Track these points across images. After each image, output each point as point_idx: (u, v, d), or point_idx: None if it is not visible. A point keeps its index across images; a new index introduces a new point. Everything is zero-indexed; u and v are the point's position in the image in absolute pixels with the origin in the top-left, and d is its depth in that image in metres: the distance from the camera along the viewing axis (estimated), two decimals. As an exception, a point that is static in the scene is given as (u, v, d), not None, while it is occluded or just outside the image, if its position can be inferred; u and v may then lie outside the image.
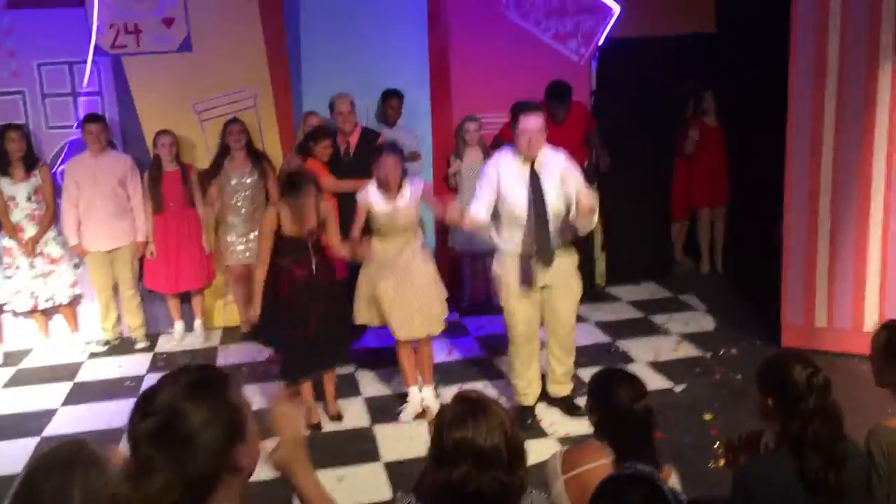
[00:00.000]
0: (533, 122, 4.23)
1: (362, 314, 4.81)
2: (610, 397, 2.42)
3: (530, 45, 6.65)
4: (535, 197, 4.28)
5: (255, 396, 5.02)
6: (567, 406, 4.79)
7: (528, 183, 4.29)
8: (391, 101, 6.36)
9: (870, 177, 5.15)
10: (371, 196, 4.64)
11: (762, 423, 2.54)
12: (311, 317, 4.56)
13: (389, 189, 4.59)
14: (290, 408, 1.96)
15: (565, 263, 4.50)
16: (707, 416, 4.65)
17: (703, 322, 6.21)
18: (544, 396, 4.86)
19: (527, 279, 4.41)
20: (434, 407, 4.77)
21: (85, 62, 6.02)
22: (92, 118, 5.84)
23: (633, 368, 5.17)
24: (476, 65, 6.53)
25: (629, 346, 5.79)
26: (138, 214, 6.01)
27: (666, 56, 6.79)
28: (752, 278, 6.59)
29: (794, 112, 5.31)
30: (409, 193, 4.65)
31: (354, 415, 4.91)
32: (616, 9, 6.62)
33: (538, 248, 4.34)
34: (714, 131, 7.07)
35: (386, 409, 4.91)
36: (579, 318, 6.18)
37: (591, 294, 6.73)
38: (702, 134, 7.00)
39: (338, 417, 4.86)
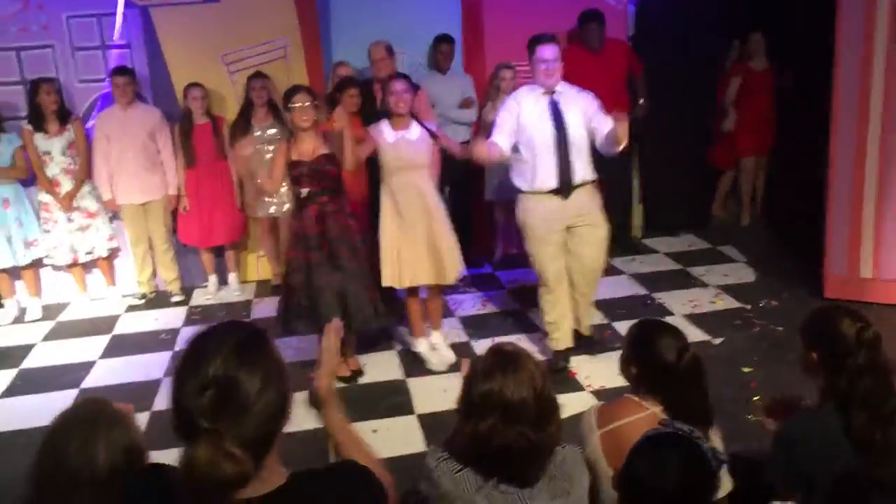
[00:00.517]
0: (549, 52, 4.29)
1: (387, 275, 4.62)
2: (651, 350, 2.34)
3: (565, -11, 6.44)
4: (556, 125, 4.32)
5: (286, 350, 5.05)
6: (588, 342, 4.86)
7: (549, 112, 4.32)
8: (441, 47, 6.22)
9: (922, 121, 4.94)
10: (382, 128, 4.52)
11: (804, 377, 2.45)
12: (309, 266, 4.41)
13: (400, 118, 4.47)
14: (335, 341, 2.03)
15: (587, 203, 4.48)
16: (746, 370, 4.55)
17: (743, 274, 6.07)
18: (582, 350, 4.80)
19: (562, 183, 4.35)
20: (445, 352, 4.79)
21: (114, 14, 5.97)
22: (119, 71, 5.80)
23: (670, 321, 5.10)
24: (509, 12, 6.35)
25: (666, 298, 5.69)
26: (169, 168, 6.00)
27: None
28: (795, 228, 6.41)
29: (842, 53, 5.07)
30: (422, 130, 4.53)
31: (388, 368, 4.89)
32: (654, -50, 6.37)
33: (560, 181, 4.34)
34: (761, 76, 6.76)
35: (420, 362, 4.89)
36: (615, 271, 6.19)
37: (628, 245, 6.66)
38: (747, 80, 6.74)
39: (354, 375, 4.74)
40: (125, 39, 6.05)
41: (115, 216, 6.16)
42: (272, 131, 5.87)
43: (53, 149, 5.80)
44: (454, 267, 4.64)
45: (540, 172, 4.37)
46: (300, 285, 4.45)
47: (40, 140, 5.77)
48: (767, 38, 6.69)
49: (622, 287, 5.95)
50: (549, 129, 4.32)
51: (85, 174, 5.93)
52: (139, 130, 5.86)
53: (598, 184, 4.58)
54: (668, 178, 6.81)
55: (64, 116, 5.82)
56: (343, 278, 4.43)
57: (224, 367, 1.43)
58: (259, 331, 1.55)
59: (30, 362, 5.25)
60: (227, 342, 1.48)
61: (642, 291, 5.85)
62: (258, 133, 5.89)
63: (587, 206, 4.48)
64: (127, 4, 5.95)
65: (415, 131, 4.52)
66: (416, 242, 4.55)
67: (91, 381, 4.93)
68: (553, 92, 4.36)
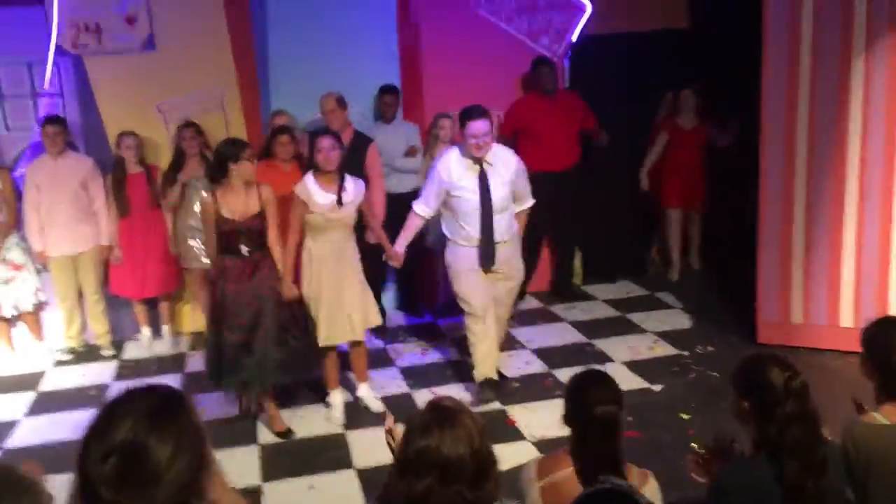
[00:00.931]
0: (480, 127, 4.52)
1: (323, 334, 4.62)
2: (579, 401, 2.34)
3: (502, 41, 6.58)
4: (482, 196, 4.63)
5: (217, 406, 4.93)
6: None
7: (477, 183, 4.62)
8: (385, 98, 6.23)
9: (844, 174, 5.13)
10: (310, 187, 4.49)
11: (738, 424, 2.47)
12: (242, 322, 4.40)
13: (328, 175, 4.47)
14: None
15: (506, 255, 4.80)
16: (685, 416, 4.61)
17: (680, 320, 6.17)
18: (521, 398, 4.81)
19: (484, 260, 4.71)
20: (372, 405, 4.80)
21: (45, 62, 5.85)
22: (50, 120, 5.67)
23: (610, 368, 5.15)
24: (447, 62, 6.44)
25: (605, 345, 5.73)
26: (101, 218, 5.85)
27: (638, 52, 6.74)
28: (731, 277, 6.56)
29: (768, 111, 5.28)
30: (352, 189, 4.54)
31: (325, 421, 4.79)
32: (588, 6, 6.57)
33: (482, 240, 4.68)
34: (689, 133, 6.81)
35: (359, 414, 4.80)
36: (555, 318, 6.24)
37: (568, 293, 6.72)
38: (674, 136, 6.80)
39: (289, 432, 4.66)
40: (56, 88, 5.94)
41: (43, 268, 5.96)
42: (202, 182, 5.79)
43: (-22, 199, 5.62)
44: (367, 319, 4.71)
45: (465, 230, 4.70)
46: (230, 343, 4.40)
47: (-36, 190, 5.59)
48: (700, 95, 6.78)
49: (562, 334, 5.99)
50: (475, 198, 4.63)
51: (12, 225, 5.74)
52: (70, 180, 5.72)
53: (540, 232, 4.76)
54: (606, 225, 6.93)
55: (-10, 167, 5.66)
56: (257, 336, 4.40)
57: (133, 433, 1.36)
58: (177, 394, 1.49)
59: (-52, 423, 4.99)
60: (140, 406, 1.41)
61: (582, 339, 5.89)
62: (191, 185, 5.79)
63: (505, 258, 4.79)
64: (59, 52, 5.85)
65: (348, 189, 4.52)
66: (330, 301, 4.56)
67: (14, 441, 4.73)
68: (482, 163, 4.60)
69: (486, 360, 4.79)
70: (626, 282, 7.05)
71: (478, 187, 4.61)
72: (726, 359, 5.17)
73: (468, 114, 4.56)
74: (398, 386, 5.21)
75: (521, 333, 5.98)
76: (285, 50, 6.20)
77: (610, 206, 6.90)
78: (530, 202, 4.96)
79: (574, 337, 5.94)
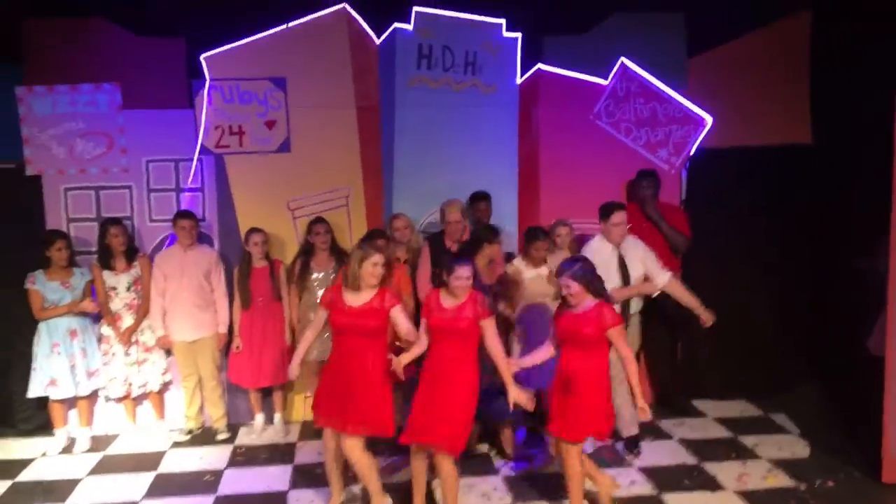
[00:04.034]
0: (621, 217, 5.64)
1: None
2: None
3: (620, 152, 6.68)
4: (621, 272, 5.62)
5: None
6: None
7: (616, 262, 5.63)
8: (479, 205, 6.40)
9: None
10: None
11: None
12: None
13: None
14: None
15: (636, 322, 6.01)
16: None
17: (797, 447, 5.90)
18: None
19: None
20: None
21: (190, 160, 6.33)
22: (184, 214, 6.09)
23: (719, 497, 4.98)
24: (565, 170, 6.58)
25: (716, 469, 5.53)
26: (220, 307, 6.18)
27: (760, 167, 6.69)
28: (849, 402, 6.25)
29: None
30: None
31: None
32: (708, 120, 6.59)
33: (621, 310, 5.52)
34: None
35: None
36: (664, 435, 6.08)
37: (679, 406, 6.58)
38: None
39: None
40: (198, 183, 6.38)
41: (168, 351, 6.31)
42: (333, 276, 6.03)
43: (119, 284, 6.04)
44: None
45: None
46: None
47: (108, 276, 6.03)
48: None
49: (670, 453, 5.83)
50: (616, 276, 5.57)
51: (147, 310, 6.13)
52: (196, 271, 6.08)
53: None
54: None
55: (131, 254, 6.09)
56: None
57: None
58: None
59: (75, 498, 5.25)
60: None
61: (691, 460, 5.71)
62: (316, 278, 6.06)
63: (636, 323, 6.09)
64: (203, 150, 6.31)
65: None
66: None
67: (132, 525, 4.92)
68: (619, 246, 5.64)
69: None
70: (740, 400, 6.82)
71: (618, 267, 5.63)
72: (847, 497, 4.92)
73: (611, 208, 5.66)
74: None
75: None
76: (409, 156, 6.44)
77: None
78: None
79: (682, 457, 5.77)
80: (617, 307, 5.22)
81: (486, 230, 5.54)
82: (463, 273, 4.46)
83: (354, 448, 4.54)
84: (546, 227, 5.99)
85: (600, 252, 5.54)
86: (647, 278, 5.71)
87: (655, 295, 5.88)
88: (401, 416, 4.79)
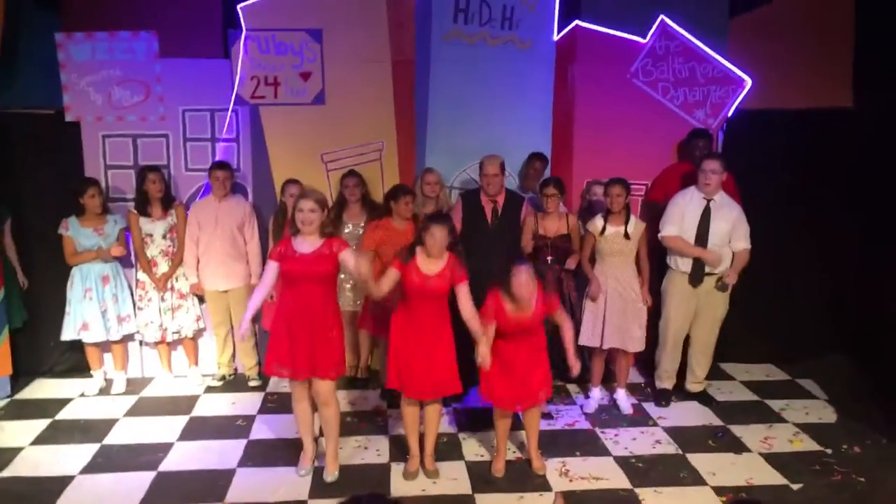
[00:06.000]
0: (714, 164, 5.59)
1: None
2: None
3: (656, 112, 6.59)
4: (701, 227, 5.64)
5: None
6: (703, 399, 6.07)
7: (701, 215, 5.64)
8: (534, 163, 6.38)
9: None
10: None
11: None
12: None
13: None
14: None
15: (713, 287, 5.76)
16: (826, 522, 4.40)
17: (824, 413, 5.91)
18: (653, 481, 4.74)
19: (694, 280, 5.74)
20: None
21: (226, 110, 6.36)
22: (220, 165, 6.13)
23: (744, 458, 5.02)
24: (599, 130, 6.53)
25: (742, 432, 5.56)
26: (253, 258, 6.25)
27: (799, 130, 6.59)
28: (881, 368, 6.23)
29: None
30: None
31: (459, 479, 4.89)
32: (748, 81, 6.48)
33: (693, 268, 5.70)
34: None
35: (487, 475, 4.88)
36: (688, 396, 6.10)
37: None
38: None
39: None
40: (233, 133, 6.42)
41: (201, 299, 6.41)
42: (362, 229, 6.08)
43: (155, 231, 6.13)
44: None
45: (685, 261, 5.73)
46: None
47: (143, 222, 6.12)
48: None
49: (696, 414, 5.86)
50: (692, 228, 5.65)
51: (182, 257, 6.22)
52: (229, 221, 6.15)
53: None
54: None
55: (168, 202, 6.17)
56: None
57: None
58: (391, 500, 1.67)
59: (112, 438, 5.42)
60: None
61: (717, 422, 5.74)
62: (348, 230, 6.11)
63: (713, 288, 5.78)
64: (238, 101, 6.34)
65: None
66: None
67: (168, 464, 5.04)
68: (710, 199, 5.65)
69: (666, 374, 6.08)
70: (767, 364, 6.82)
71: (699, 220, 5.65)
72: (873, 463, 4.93)
73: (707, 155, 5.79)
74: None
75: (653, 409, 5.91)
76: (443, 112, 6.41)
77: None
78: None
79: (708, 418, 5.80)
80: (680, 262, 5.70)
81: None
82: (437, 232, 4.58)
83: (331, 391, 4.73)
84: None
85: (685, 196, 5.70)
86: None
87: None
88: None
